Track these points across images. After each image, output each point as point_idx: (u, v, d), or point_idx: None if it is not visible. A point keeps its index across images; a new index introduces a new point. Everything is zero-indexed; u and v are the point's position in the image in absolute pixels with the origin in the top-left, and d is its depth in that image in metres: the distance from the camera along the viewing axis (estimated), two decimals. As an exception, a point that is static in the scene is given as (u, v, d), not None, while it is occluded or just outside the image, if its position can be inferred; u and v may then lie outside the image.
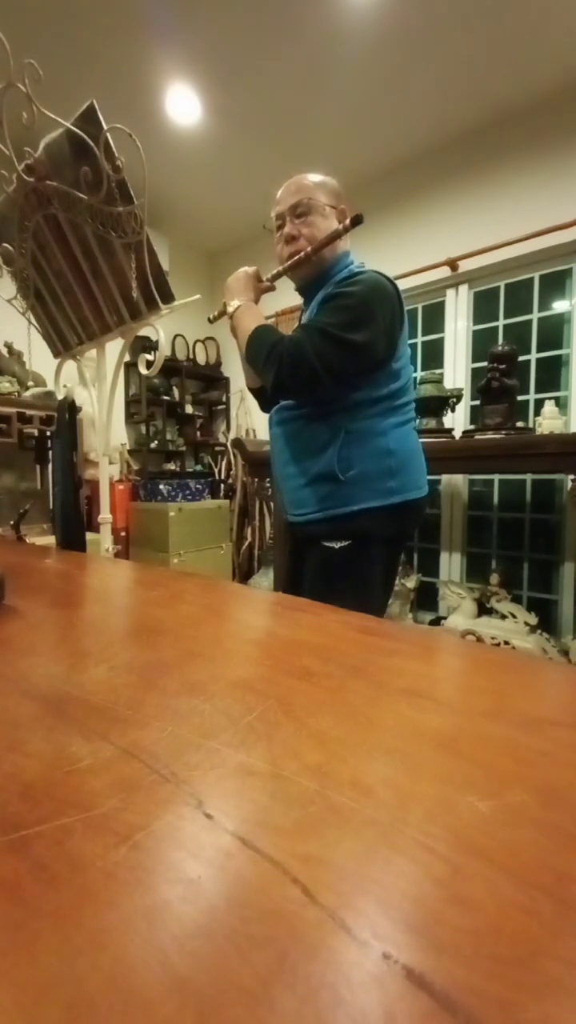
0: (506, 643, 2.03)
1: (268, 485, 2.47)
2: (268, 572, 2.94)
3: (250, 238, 3.63)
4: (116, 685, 0.37)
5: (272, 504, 2.62)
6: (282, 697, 0.35)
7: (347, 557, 0.95)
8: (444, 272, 2.68)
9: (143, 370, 1.31)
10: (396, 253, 2.82)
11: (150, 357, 1.29)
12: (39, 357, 1.82)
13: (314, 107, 2.44)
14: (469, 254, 2.56)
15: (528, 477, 2.56)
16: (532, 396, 2.54)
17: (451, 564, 2.78)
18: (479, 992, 0.15)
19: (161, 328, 1.22)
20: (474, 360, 2.71)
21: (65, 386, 1.60)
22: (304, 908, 0.18)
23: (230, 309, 1.02)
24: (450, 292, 2.76)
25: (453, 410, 2.21)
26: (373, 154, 2.78)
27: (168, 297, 1.18)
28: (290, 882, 0.19)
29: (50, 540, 1.59)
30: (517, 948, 0.16)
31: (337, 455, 0.93)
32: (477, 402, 2.07)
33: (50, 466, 2.00)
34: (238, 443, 2.46)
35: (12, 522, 1.31)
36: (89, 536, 1.31)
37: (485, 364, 2.02)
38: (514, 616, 2.14)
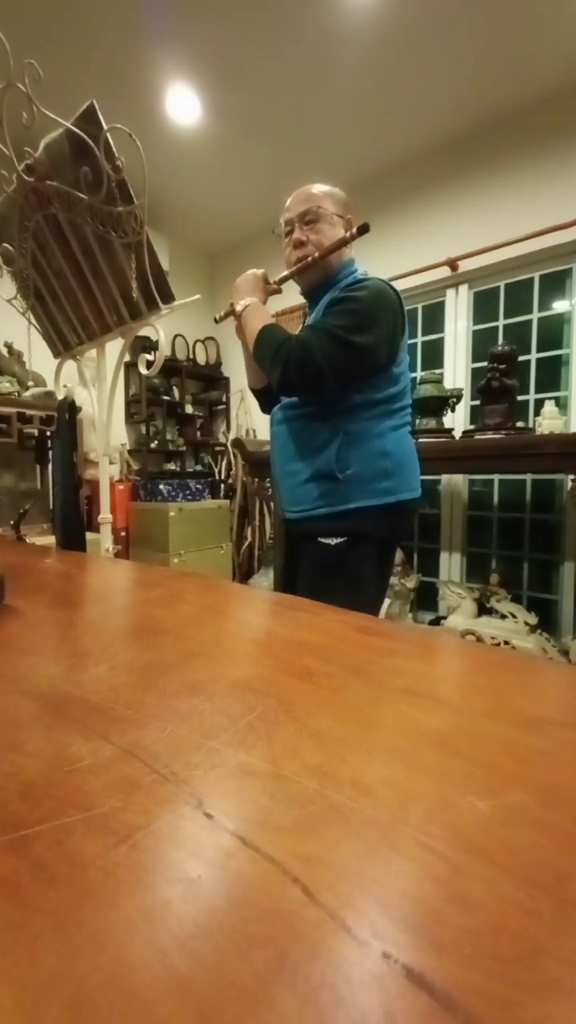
0: (506, 643, 2.03)
1: (268, 485, 2.47)
2: (268, 572, 2.94)
3: (250, 238, 3.63)
4: (116, 685, 0.37)
5: (272, 504, 2.62)
6: (282, 697, 0.35)
7: (342, 553, 0.98)
8: (444, 272, 2.68)
9: (143, 370, 1.32)
10: (396, 253, 2.82)
11: (150, 357, 1.29)
12: (39, 357, 1.83)
13: (314, 107, 2.44)
14: (469, 254, 2.56)
15: (528, 477, 2.56)
16: (532, 396, 2.54)
17: (451, 564, 2.78)
18: (479, 991, 0.15)
19: (161, 328, 1.22)
20: (474, 360, 2.71)
21: (65, 386, 1.60)
22: (304, 908, 0.18)
23: (239, 308, 1.05)
24: (450, 292, 2.76)
25: (453, 410, 2.21)
26: (373, 154, 2.78)
27: (168, 297, 1.18)
28: (290, 882, 0.19)
29: (50, 540, 1.59)
30: (517, 947, 0.16)
31: (336, 454, 0.96)
32: (477, 402, 2.07)
33: (50, 466, 2.00)
34: (238, 443, 2.46)
35: (12, 522, 1.31)
36: (89, 536, 1.31)
37: (485, 364, 2.02)
38: (514, 616, 2.14)
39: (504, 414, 1.93)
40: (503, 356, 1.95)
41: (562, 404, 2.41)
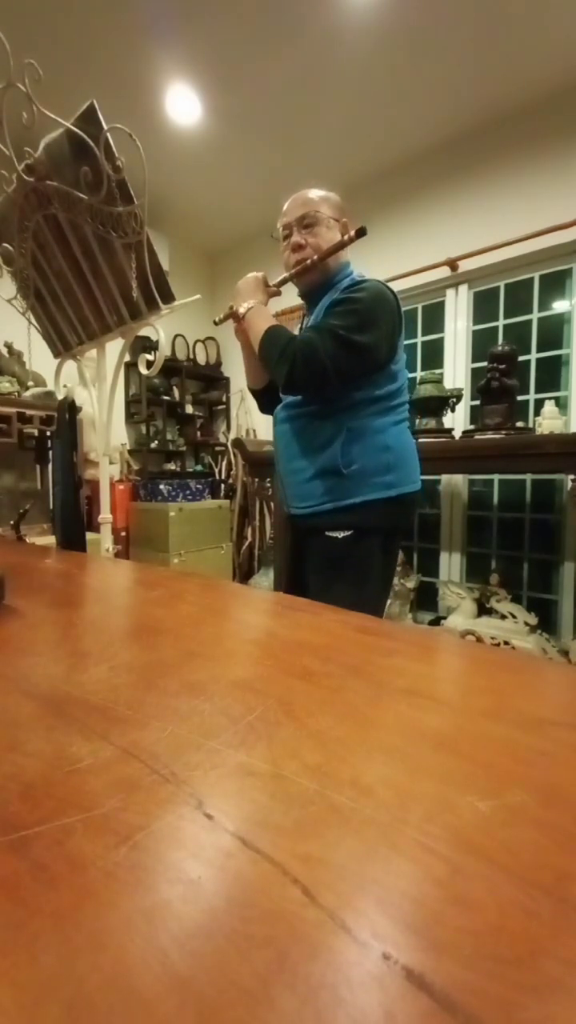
0: (506, 643, 2.03)
1: (268, 485, 2.47)
2: (268, 572, 2.94)
3: (250, 238, 3.63)
4: (116, 685, 0.37)
5: (272, 504, 2.62)
6: (282, 697, 0.35)
7: (349, 546, 1.01)
8: (444, 272, 2.68)
9: (143, 370, 1.31)
10: (396, 253, 2.81)
11: (150, 357, 1.29)
12: (39, 357, 1.82)
13: (314, 107, 2.44)
14: (469, 254, 2.56)
15: (528, 477, 2.56)
16: (532, 396, 2.54)
17: (451, 564, 2.78)
18: (479, 992, 0.15)
19: (161, 328, 1.22)
20: (474, 360, 2.71)
21: (65, 386, 1.60)
22: (304, 908, 0.18)
23: (242, 310, 1.08)
24: (450, 292, 2.76)
25: (453, 410, 2.21)
26: (373, 154, 2.78)
27: (168, 297, 1.18)
28: (290, 882, 0.19)
29: (50, 540, 1.59)
30: (517, 948, 0.16)
31: (340, 451, 0.99)
32: (477, 402, 2.07)
33: (50, 466, 1.99)
34: (238, 443, 2.46)
35: (12, 522, 1.31)
36: (89, 536, 1.31)
37: (485, 364, 2.02)
38: (514, 616, 2.14)
39: (504, 414, 1.93)
40: (503, 356, 1.95)
41: (562, 404, 2.41)
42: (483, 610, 2.27)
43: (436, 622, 2.45)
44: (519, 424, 1.97)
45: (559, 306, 2.49)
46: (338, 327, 0.94)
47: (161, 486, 3.02)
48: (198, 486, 3.18)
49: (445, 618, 2.34)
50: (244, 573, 3.42)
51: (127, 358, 1.46)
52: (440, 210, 2.73)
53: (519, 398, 2.09)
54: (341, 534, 1.02)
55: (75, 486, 1.26)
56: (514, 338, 2.56)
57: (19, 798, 0.24)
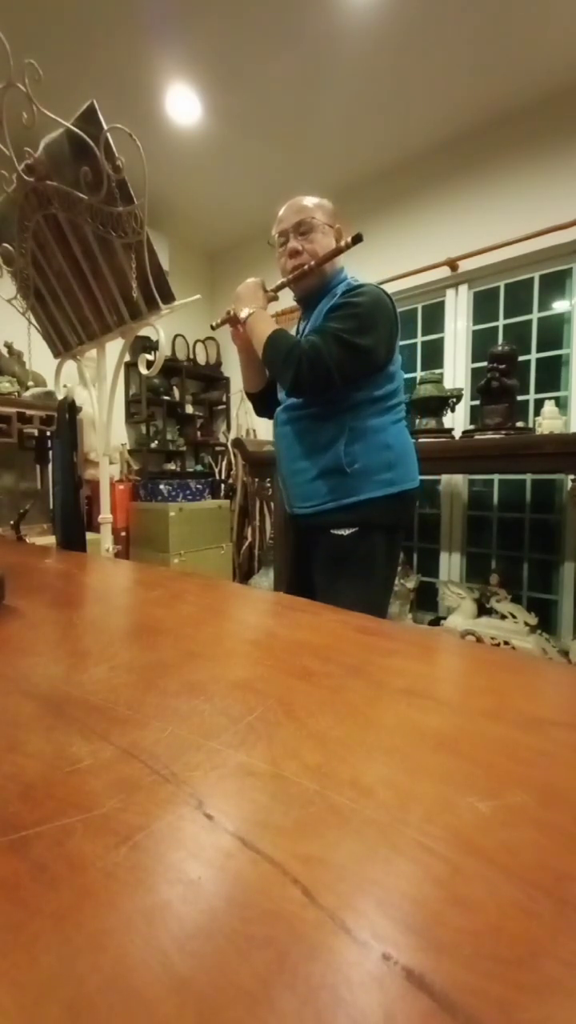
0: (506, 643, 2.03)
1: (268, 485, 2.47)
2: (268, 572, 2.94)
3: (250, 238, 3.63)
4: (116, 685, 0.37)
5: (272, 504, 2.62)
6: (282, 697, 0.35)
7: (354, 543, 1.04)
8: (444, 272, 2.68)
9: (143, 370, 1.31)
10: (396, 253, 2.81)
11: (150, 357, 1.29)
12: (39, 357, 1.82)
13: (314, 107, 2.44)
14: (469, 254, 2.56)
15: (528, 477, 2.56)
16: (532, 396, 2.54)
17: (451, 564, 2.78)
18: (479, 993, 0.15)
19: (161, 328, 1.22)
20: (474, 360, 2.71)
21: (65, 386, 1.60)
22: (304, 909, 0.18)
23: (243, 315, 1.11)
24: (450, 292, 2.76)
25: (453, 410, 2.21)
26: (373, 154, 2.78)
27: (168, 297, 1.18)
28: (290, 883, 0.19)
29: (50, 540, 1.58)
30: (517, 948, 0.16)
31: (343, 450, 1.02)
32: (477, 402, 2.07)
33: (50, 466, 1.99)
34: (238, 443, 2.46)
35: (12, 522, 1.31)
36: (89, 536, 1.31)
37: (485, 364, 2.02)
38: (514, 616, 2.14)
39: (504, 414, 1.93)
40: (503, 356, 1.95)
41: (562, 404, 2.41)
42: (483, 610, 2.27)
43: (436, 622, 2.45)
44: (519, 424, 1.97)
45: (559, 306, 2.49)
46: (340, 331, 0.96)
47: (161, 486, 3.02)
48: (198, 486, 3.18)
49: (445, 618, 2.34)
50: (244, 573, 3.42)
51: (127, 358, 1.46)
52: (440, 210, 2.72)
53: (519, 398, 2.08)
54: (346, 531, 1.04)
55: (75, 486, 1.26)
56: (514, 338, 2.56)
57: (19, 798, 0.24)
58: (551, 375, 2.52)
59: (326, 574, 1.09)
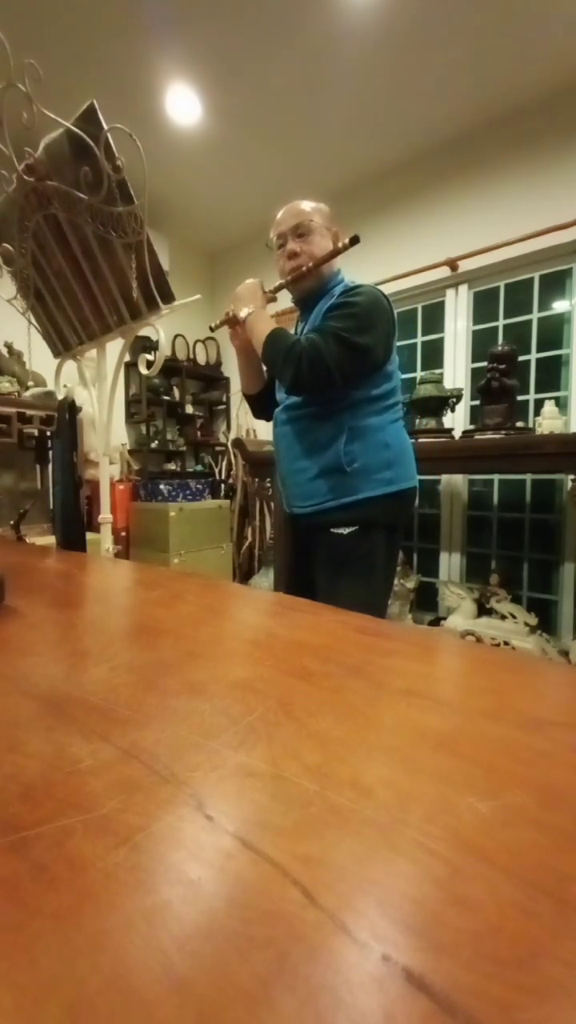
0: (506, 644, 2.03)
1: (268, 485, 2.47)
2: (268, 572, 2.94)
3: (250, 238, 3.63)
4: (116, 685, 0.37)
5: (272, 504, 2.62)
6: (282, 697, 0.35)
7: (354, 541, 1.05)
8: (444, 272, 2.68)
9: (143, 370, 1.31)
10: (396, 253, 2.81)
11: (150, 357, 1.29)
12: (39, 357, 1.82)
13: (314, 107, 2.44)
14: (469, 254, 2.56)
15: (528, 477, 2.56)
16: (532, 396, 2.54)
17: (451, 564, 2.78)
18: (479, 993, 0.15)
19: (161, 328, 1.22)
20: (474, 360, 2.71)
21: (65, 386, 1.60)
22: (304, 909, 0.18)
23: (242, 315, 1.12)
24: (450, 292, 2.76)
25: (453, 410, 2.21)
26: (373, 154, 2.78)
27: (168, 297, 1.18)
28: (290, 883, 0.19)
29: (50, 540, 1.59)
30: (517, 949, 0.16)
31: (343, 449, 1.03)
32: (477, 402, 2.07)
33: (50, 466, 1.99)
34: (238, 443, 2.46)
35: (12, 522, 1.31)
36: (89, 536, 1.31)
37: (485, 364, 2.02)
38: (514, 616, 2.14)
39: (504, 414, 1.93)
40: (503, 356, 1.95)
41: (562, 404, 2.41)
42: (483, 610, 2.27)
43: (436, 622, 2.45)
44: (519, 424, 1.97)
45: (559, 306, 2.49)
46: (339, 329, 0.97)
47: (161, 486, 3.02)
48: (198, 486, 3.18)
49: (445, 618, 2.34)
50: (244, 573, 3.42)
51: (127, 358, 1.46)
52: (440, 210, 2.72)
53: (519, 398, 2.08)
54: (346, 530, 1.05)
55: (75, 486, 1.26)
56: (514, 338, 2.55)
57: (19, 799, 0.24)
58: (551, 375, 2.52)
59: (326, 573, 1.09)
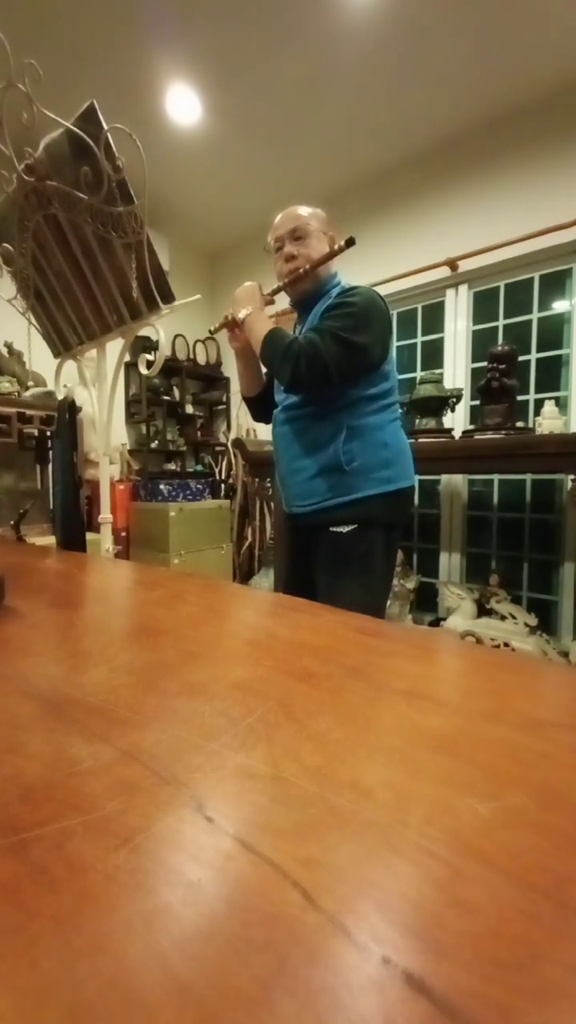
0: (506, 644, 2.03)
1: (268, 485, 2.47)
2: (268, 572, 2.94)
3: (250, 238, 3.62)
4: (116, 686, 0.37)
5: (272, 504, 2.62)
6: (282, 698, 0.35)
7: (353, 540, 1.06)
8: (444, 272, 2.67)
9: (143, 370, 1.31)
10: (396, 253, 2.81)
11: (150, 357, 1.29)
12: (39, 357, 1.82)
13: (314, 107, 2.44)
14: (469, 254, 2.56)
15: (528, 477, 2.56)
16: (532, 396, 2.54)
17: (451, 564, 2.78)
18: (479, 996, 0.15)
19: (161, 328, 1.22)
20: (474, 360, 2.71)
21: (65, 386, 1.60)
22: (304, 912, 0.18)
23: (241, 315, 1.13)
24: (450, 292, 2.76)
25: (453, 410, 2.21)
26: (373, 153, 2.78)
27: (168, 297, 1.18)
28: (290, 885, 0.19)
29: (50, 540, 1.58)
30: (517, 952, 0.16)
31: (342, 448, 1.04)
32: (477, 402, 2.07)
33: (50, 466, 1.99)
34: (238, 443, 2.46)
35: (12, 522, 1.31)
36: (89, 536, 1.31)
37: (485, 364, 2.02)
38: (514, 617, 2.14)
39: (504, 414, 1.93)
40: (503, 356, 1.95)
41: (562, 404, 2.41)
42: (483, 611, 2.27)
43: (436, 623, 2.45)
44: (519, 424, 1.97)
45: (559, 306, 2.49)
46: (337, 328, 0.98)
47: (161, 486, 3.02)
48: (198, 486, 3.18)
49: (445, 619, 2.34)
50: (244, 573, 3.42)
51: (127, 358, 1.46)
52: (440, 210, 2.72)
53: (519, 398, 2.08)
54: (345, 528, 1.06)
55: (75, 486, 1.26)
56: (514, 338, 2.55)
57: (19, 800, 0.24)
58: (551, 375, 2.52)
59: (326, 572, 1.10)
